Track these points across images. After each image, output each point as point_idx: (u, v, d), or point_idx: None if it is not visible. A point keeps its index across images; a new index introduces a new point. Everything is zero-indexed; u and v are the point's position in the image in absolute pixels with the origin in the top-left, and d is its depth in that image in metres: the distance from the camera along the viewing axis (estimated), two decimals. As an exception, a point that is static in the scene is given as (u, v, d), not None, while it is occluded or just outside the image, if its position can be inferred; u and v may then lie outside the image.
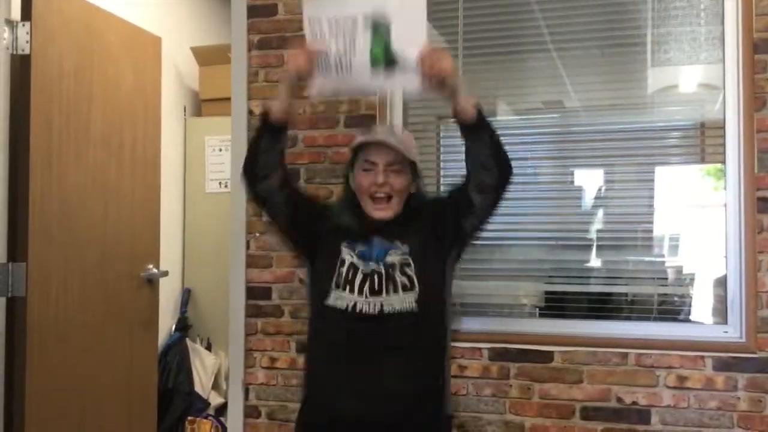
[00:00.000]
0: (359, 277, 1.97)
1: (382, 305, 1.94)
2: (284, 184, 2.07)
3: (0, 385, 2.86)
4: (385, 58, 1.87)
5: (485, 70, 2.92)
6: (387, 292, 1.95)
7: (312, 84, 2.00)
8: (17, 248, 2.92)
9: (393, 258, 1.99)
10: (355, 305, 1.95)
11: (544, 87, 2.85)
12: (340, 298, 1.97)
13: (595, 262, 2.77)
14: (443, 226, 2.04)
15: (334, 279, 1.98)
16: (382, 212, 2.01)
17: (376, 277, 1.96)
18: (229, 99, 2.98)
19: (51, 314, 3.04)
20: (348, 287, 1.97)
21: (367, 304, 1.95)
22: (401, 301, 1.95)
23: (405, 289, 1.96)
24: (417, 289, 1.97)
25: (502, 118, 2.92)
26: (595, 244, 2.77)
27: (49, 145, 3.04)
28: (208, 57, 4.43)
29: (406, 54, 1.85)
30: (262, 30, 2.87)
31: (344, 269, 1.98)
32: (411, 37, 1.84)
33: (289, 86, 2.00)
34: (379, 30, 1.86)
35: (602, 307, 2.75)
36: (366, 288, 1.96)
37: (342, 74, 1.94)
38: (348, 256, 2.00)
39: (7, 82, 2.94)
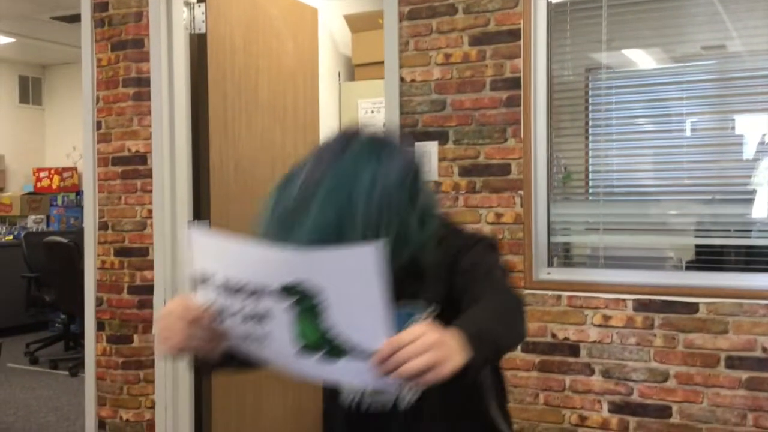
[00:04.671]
0: None
1: None
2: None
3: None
4: (319, 343, 1.19)
5: (634, 14, 2.84)
6: None
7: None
8: (200, 207, 3.31)
9: None
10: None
11: (702, 32, 2.79)
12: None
13: (754, 214, 2.72)
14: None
15: None
16: None
17: None
18: (379, 63, 3.19)
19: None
20: None
21: None
22: None
23: None
24: None
25: (658, 66, 2.90)
26: (756, 195, 2.71)
27: (225, 114, 3.39)
28: (360, 23, 4.67)
29: (354, 339, 1.17)
30: (411, 1, 3.05)
31: None
32: (360, 316, 1.16)
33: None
34: (305, 305, 1.19)
35: (751, 259, 2.76)
36: None
37: (252, 345, 1.28)
38: None
39: (187, 58, 3.30)
